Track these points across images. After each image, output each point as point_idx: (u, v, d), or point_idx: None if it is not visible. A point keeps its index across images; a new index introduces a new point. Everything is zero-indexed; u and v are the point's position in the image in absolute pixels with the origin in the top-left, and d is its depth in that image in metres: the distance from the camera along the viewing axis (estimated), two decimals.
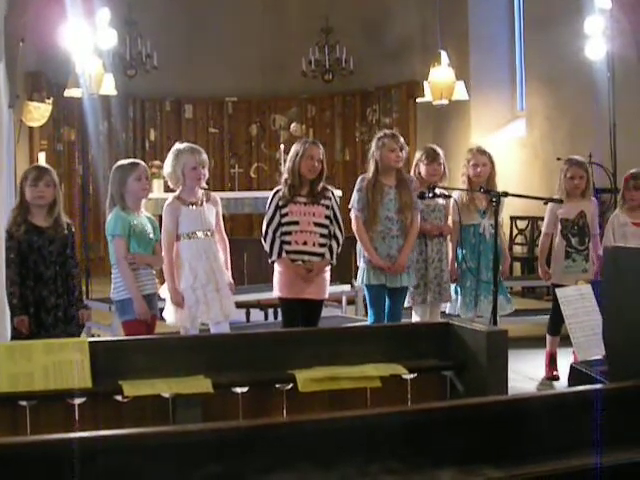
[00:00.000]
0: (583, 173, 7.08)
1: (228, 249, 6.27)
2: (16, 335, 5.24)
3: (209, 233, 6.11)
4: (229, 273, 6.24)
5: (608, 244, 6.57)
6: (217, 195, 6.40)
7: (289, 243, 6.16)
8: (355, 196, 6.50)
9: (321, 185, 6.26)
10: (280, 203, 6.18)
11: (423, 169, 6.80)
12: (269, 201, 6.24)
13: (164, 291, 6.13)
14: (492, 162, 6.93)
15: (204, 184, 6.16)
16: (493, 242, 6.09)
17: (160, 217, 6.27)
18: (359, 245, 6.52)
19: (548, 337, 7.18)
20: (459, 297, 6.87)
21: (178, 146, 6.21)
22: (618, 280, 4.24)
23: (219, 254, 6.17)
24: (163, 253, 6.04)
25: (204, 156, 6.16)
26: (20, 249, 5.43)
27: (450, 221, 6.91)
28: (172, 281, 6.02)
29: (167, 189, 12.91)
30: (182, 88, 15.69)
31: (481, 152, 6.95)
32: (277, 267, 6.23)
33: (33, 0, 10.35)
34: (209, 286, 6.04)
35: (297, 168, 6.15)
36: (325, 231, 6.23)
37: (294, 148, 6.27)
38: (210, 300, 6.03)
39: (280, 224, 6.16)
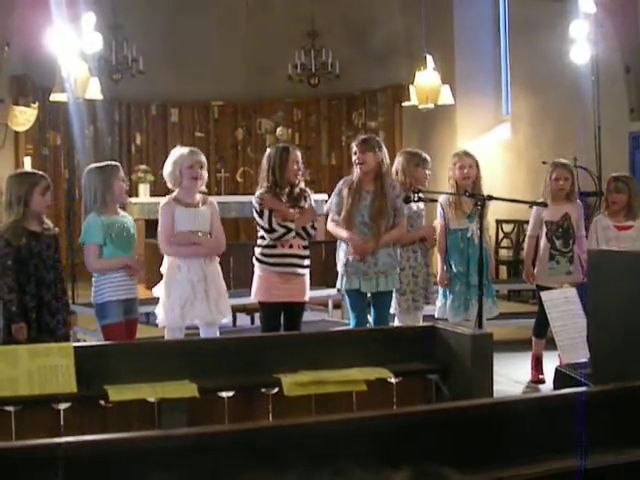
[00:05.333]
0: (568, 175, 7.12)
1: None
2: (12, 342, 5.11)
3: (204, 234, 6.13)
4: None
5: (591, 247, 6.59)
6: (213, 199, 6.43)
7: (275, 247, 6.18)
8: (333, 199, 6.52)
9: (299, 187, 6.30)
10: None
11: (410, 173, 6.77)
12: (258, 209, 6.23)
13: (158, 291, 6.14)
14: (478, 166, 6.95)
15: (203, 187, 6.20)
16: (479, 246, 6.12)
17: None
18: (338, 249, 6.53)
19: (534, 339, 7.20)
20: (448, 301, 6.87)
21: (179, 148, 6.28)
22: (602, 283, 4.27)
23: (214, 256, 6.20)
24: (162, 247, 6.10)
25: (202, 157, 6.22)
26: (19, 255, 5.37)
27: (435, 223, 6.92)
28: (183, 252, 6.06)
29: (153, 193, 12.93)
30: (168, 92, 15.67)
31: (467, 154, 6.98)
32: (259, 271, 6.25)
33: (18, 4, 10.34)
34: (199, 286, 6.05)
35: (284, 175, 6.18)
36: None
37: (273, 156, 6.25)
38: (198, 300, 6.04)
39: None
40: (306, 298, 6.39)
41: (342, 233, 6.41)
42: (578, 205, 7.22)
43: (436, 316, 6.91)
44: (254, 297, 6.32)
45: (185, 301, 6.01)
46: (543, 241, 7.14)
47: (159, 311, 6.13)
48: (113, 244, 5.83)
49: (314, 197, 6.64)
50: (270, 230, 6.17)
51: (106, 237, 5.81)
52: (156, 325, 6.34)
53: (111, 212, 5.89)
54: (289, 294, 6.20)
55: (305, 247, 6.29)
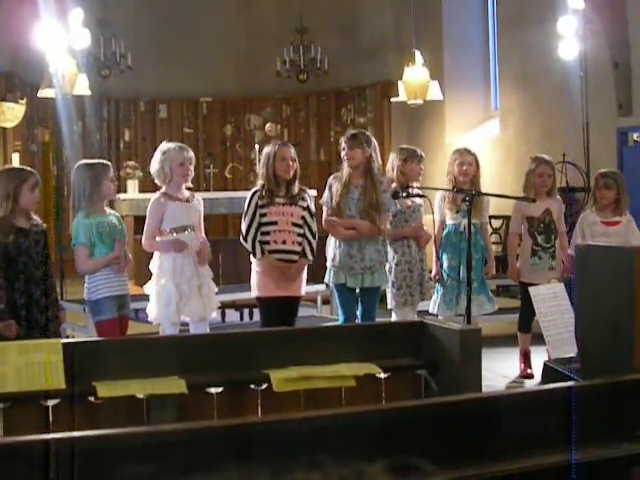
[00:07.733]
0: (551, 172, 7.18)
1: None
2: (1, 340, 5.07)
3: (194, 229, 6.15)
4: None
5: (577, 243, 6.59)
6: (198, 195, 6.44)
7: (268, 243, 6.18)
8: (326, 194, 6.54)
9: (297, 186, 6.30)
10: (259, 203, 6.20)
11: (409, 169, 6.77)
12: (247, 202, 6.25)
13: (149, 288, 6.14)
14: (478, 164, 6.97)
15: (190, 183, 6.21)
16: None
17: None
18: (328, 245, 6.53)
19: (519, 335, 7.21)
20: (439, 296, 6.89)
21: (165, 144, 6.26)
22: (589, 278, 4.28)
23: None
24: (144, 242, 6.13)
25: (191, 154, 6.24)
26: (7, 252, 5.31)
27: (435, 221, 6.92)
28: (162, 247, 6.11)
29: (142, 189, 12.90)
30: (156, 88, 15.66)
31: (468, 152, 7.00)
32: (256, 267, 6.25)
33: (5, 0, 10.31)
34: (192, 282, 6.08)
35: (272, 171, 6.19)
36: (302, 230, 6.27)
37: (265, 152, 6.29)
38: (193, 296, 6.07)
39: (260, 224, 6.18)
40: (303, 293, 6.39)
41: (347, 220, 6.41)
42: (558, 201, 7.25)
43: (430, 311, 6.93)
44: (253, 292, 6.32)
45: (180, 297, 6.03)
46: (525, 237, 7.16)
47: (151, 308, 6.13)
48: (104, 244, 5.80)
49: None
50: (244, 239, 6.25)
51: (96, 238, 5.78)
52: (145, 321, 6.33)
53: (98, 211, 5.86)
54: (287, 288, 6.20)
55: (300, 243, 6.26)
